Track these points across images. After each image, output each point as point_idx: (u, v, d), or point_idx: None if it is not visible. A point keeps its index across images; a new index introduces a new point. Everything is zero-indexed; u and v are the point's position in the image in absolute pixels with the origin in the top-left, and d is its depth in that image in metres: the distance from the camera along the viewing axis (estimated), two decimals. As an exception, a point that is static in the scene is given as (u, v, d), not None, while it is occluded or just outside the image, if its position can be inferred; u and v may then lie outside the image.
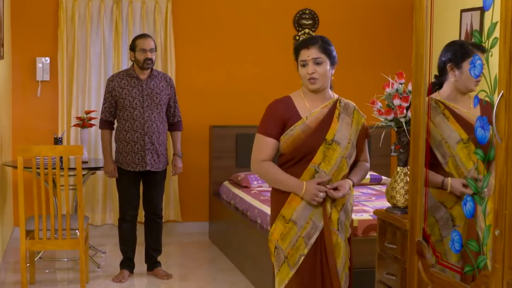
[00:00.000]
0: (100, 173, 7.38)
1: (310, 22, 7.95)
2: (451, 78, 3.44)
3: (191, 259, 6.79)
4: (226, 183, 7.47)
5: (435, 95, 3.52)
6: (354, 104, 3.90)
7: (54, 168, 5.36)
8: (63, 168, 5.35)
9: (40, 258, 6.52)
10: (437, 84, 3.58)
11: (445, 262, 3.33)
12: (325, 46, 3.75)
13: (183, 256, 6.96)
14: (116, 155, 5.97)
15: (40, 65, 7.38)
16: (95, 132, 7.38)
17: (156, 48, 5.91)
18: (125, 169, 5.88)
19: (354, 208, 5.12)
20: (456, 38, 3.69)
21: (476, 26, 3.45)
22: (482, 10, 2.99)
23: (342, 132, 3.74)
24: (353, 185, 3.81)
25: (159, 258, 6.18)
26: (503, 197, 2.74)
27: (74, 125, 6.93)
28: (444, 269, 3.32)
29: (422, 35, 3.43)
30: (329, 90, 3.84)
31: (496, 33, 2.86)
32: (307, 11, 7.96)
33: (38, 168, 5.40)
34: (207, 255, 6.99)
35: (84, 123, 6.71)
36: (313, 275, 3.71)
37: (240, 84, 7.86)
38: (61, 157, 5.75)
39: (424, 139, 3.45)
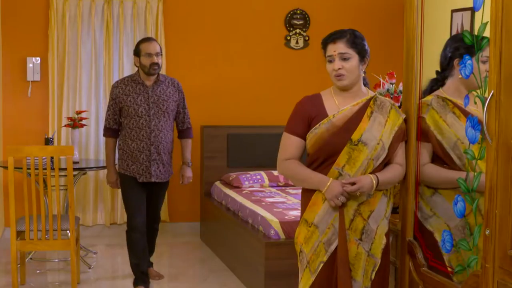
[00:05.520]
0: (91, 173, 7.36)
1: (301, 22, 7.96)
2: (458, 75, 3.30)
3: (183, 259, 6.78)
4: (217, 183, 7.46)
5: (439, 92, 3.44)
6: (393, 103, 3.56)
7: (45, 169, 5.34)
8: (54, 169, 5.32)
9: (31, 258, 6.50)
10: (440, 80, 3.50)
11: (436, 262, 3.34)
12: (354, 40, 3.45)
13: (175, 256, 6.95)
14: (119, 162, 5.61)
15: (31, 65, 7.36)
16: (86, 132, 7.37)
17: (162, 52, 5.65)
18: (131, 175, 5.55)
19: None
20: (447, 38, 3.66)
21: (467, 26, 3.45)
22: (473, 10, 3.00)
23: (372, 132, 3.42)
24: (378, 183, 3.39)
25: (151, 258, 6.15)
26: (493, 196, 2.75)
27: (65, 126, 6.92)
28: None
29: (413, 35, 3.44)
30: (363, 87, 3.54)
31: (487, 33, 2.87)
32: (298, 11, 7.96)
33: (29, 169, 5.38)
34: (198, 255, 6.99)
35: (75, 123, 6.69)
36: (331, 285, 3.46)
37: (231, 84, 7.86)
38: (52, 158, 5.73)
39: (415, 138, 3.45)
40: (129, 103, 5.47)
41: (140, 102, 5.48)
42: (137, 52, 5.55)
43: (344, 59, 3.44)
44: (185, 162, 5.81)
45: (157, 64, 5.48)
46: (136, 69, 5.67)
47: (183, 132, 5.82)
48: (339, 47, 3.44)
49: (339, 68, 3.44)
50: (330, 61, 3.48)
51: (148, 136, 5.47)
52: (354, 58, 3.45)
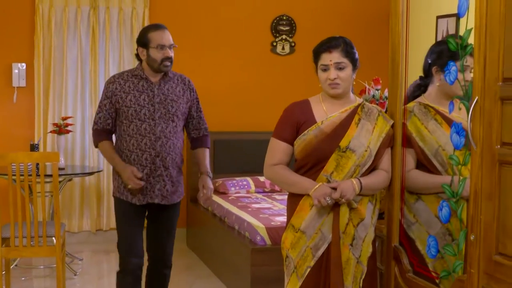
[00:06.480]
0: (77, 179, 7.33)
1: (287, 28, 7.97)
2: (436, 82, 3.36)
3: (169, 265, 6.76)
4: (203, 189, 7.45)
5: (421, 99, 3.47)
6: (380, 109, 3.57)
7: (30, 175, 5.32)
8: (39, 175, 5.30)
9: (16, 265, 6.46)
10: (423, 86, 3.52)
11: (422, 268, 3.35)
12: (347, 49, 3.45)
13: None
14: (114, 182, 4.50)
15: (16, 71, 7.33)
16: (71, 138, 7.34)
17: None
18: (127, 201, 4.43)
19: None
20: (432, 44, 3.68)
21: (452, 32, 3.47)
22: (458, 16, 3.01)
23: (360, 139, 3.43)
24: (361, 187, 3.38)
25: None
26: (478, 202, 2.76)
27: (51, 132, 6.90)
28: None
29: (398, 41, 3.45)
30: (352, 94, 3.56)
31: (471, 39, 2.88)
32: (284, 17, 7.98)
33: (14, 175, 5.36)
34: (184, 261, 6.96)
35: (60, 129, 6.67)
36: None
37: (218, 90, 7.86)
38: (37, 164, 5.70)
39: (400, 144, 3.46)
40: (128, 103, 4.35)
41: (143, 102, 4.36)
42: (144, 43, 4.39)
43: (340, 69, 3.44)
44: (205, 172, 4.58)
45: (170, 58, 4.41)
46: (137, 62, 4.53)
47: (199, 141, 4.63)
48: (334, 57, 3.44)
49: (335, 78, 3.43)
50: (324, 70, 3.46)
51: (153, 145, 4.35)
52: (349, 67, 3.46)
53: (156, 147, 4.35)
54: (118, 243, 4.54)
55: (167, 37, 4.41)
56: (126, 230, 4.51)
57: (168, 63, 4.39)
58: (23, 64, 7.36)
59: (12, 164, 5.23)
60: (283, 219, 5.36)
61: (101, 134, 4.45)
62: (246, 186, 7.22)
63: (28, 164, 5.57)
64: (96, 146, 4.53)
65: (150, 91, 4.39)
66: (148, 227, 4.61)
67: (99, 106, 4.45)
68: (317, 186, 3.39)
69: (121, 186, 4.41)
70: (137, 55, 4.47)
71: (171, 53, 4.40)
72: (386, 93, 4.03)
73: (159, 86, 4.41)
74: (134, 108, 4.35)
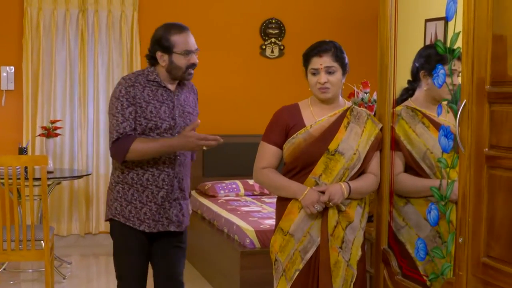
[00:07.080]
0: (65, 183, 7.30)
1: (276, 31, 7.98)
2: (424, 87, 3.38)
3: (158, 269, 6.75)
4: (193, 192, 7.45)
5: (408, 103, 3.49)
6: (369, 113, 3.58)
7: (18, 179, 5.30)
8: (28, 178, 5.28)
9: (4, 269, 6.43)
10: (410, 90, 3.54)
11: (411, 271, 3.35)
12: (337, 54, 3.45)
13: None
14: (116, 204, 3.72)
15: (5, 74, 7.31)
16: (60, 141, 7.32)
17: None
18: (135, 227, 3.70)
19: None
20: (421, 47, 3.69)
21: (441, 36, 3.48)
22: (446, 20, 3.03)
23: (348, 142, 3.44)
24: (350, 191, 3.39)
25: None
26: (466, 204, 2.77)
27: (39, 135, 6.88)
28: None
29: (386, 45, 3.46)
30: (341, 98, 3.57)
31: (459, 43, 2.90)
32: (273, 21, 7.99)
33: (2, 179, 5.34)
34: (174, 265, 6.96)
35: (49, 132, 6.65)
36: None
37: (206, 94, 7.83)
38: (26, 167, 5.68)
39: (389, 147, 3.47)
40: (149, 115, 3.64)
41: (164, 115, 3.66)
42: (166, 47, 3.72)
43: (330, 73, 3.44)
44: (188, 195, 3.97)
45: (195, 65, 3.75)
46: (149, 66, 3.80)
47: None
48: (325, 61, 3.44)
49: (325, 82, 3.44)
50: (314, 74, 3.47)
51: (172, 164, 3.71)
52: (339, 71, 3.46)
53: (175, 166, 3.72)
54: (119, 280, 3.83)
55: (193, 41, 3.77)
56: (132, 266, 3.79)
57: (192, 71, 3.74)
58: (12, 67, 7.33)
59: (0, 167, 5.21)
60: (272, 222, 5.35)
61: (128, 138, 3.60)
62: (235, 189, 7.22)
63: (17, 167, 5.55)
64: (124, 158, 3.62)
65: (170, 102, 3.70)
66: (159, 252, 3.86)
67: (122, 115, 3.60)
68: (306, 192, 3.40)
69: (126, 210, 3.69)
70: (150, 57, 3.77)
71: (197, 59, 3.76)
72: (375, 96, 4.03)
73: (177, 96, 3.75)
74: (155, 122, 3.64)
